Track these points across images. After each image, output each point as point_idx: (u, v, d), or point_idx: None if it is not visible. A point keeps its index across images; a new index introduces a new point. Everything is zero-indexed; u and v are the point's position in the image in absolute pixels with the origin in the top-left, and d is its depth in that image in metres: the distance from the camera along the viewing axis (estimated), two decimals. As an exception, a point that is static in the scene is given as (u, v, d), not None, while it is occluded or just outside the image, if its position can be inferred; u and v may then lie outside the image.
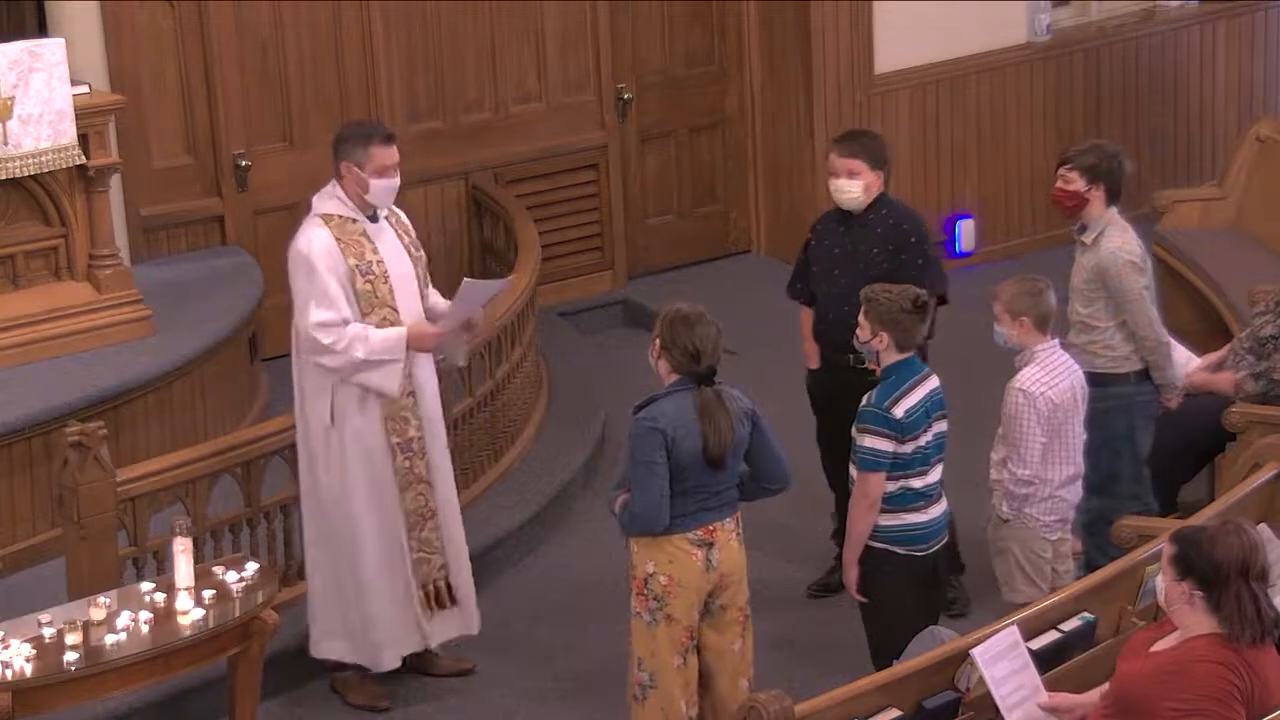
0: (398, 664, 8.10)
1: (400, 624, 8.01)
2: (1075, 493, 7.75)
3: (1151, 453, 8.54)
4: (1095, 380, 7.91)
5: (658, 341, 7.10)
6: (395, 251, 7.90)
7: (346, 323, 7.72)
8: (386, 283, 7.82)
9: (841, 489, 8.60)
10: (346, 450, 7.84)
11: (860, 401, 8.05)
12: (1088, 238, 8.30)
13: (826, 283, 8.56)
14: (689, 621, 7.12)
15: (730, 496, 7.16)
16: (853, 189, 8.43)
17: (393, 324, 7.79)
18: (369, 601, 7.95)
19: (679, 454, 6.96)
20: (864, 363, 8.19)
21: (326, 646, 8.06)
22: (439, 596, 8.05)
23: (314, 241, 7.78)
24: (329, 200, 7.88)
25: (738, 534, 7.20)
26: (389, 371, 7.76)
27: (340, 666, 8.15)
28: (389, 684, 8.20)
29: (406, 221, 8.11)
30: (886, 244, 8.44)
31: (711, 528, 7.09)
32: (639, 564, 7.12)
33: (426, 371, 7.96)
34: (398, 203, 8.12)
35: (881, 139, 8.63)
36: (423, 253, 8.09)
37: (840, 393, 8.44)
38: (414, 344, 7.81)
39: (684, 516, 7.03)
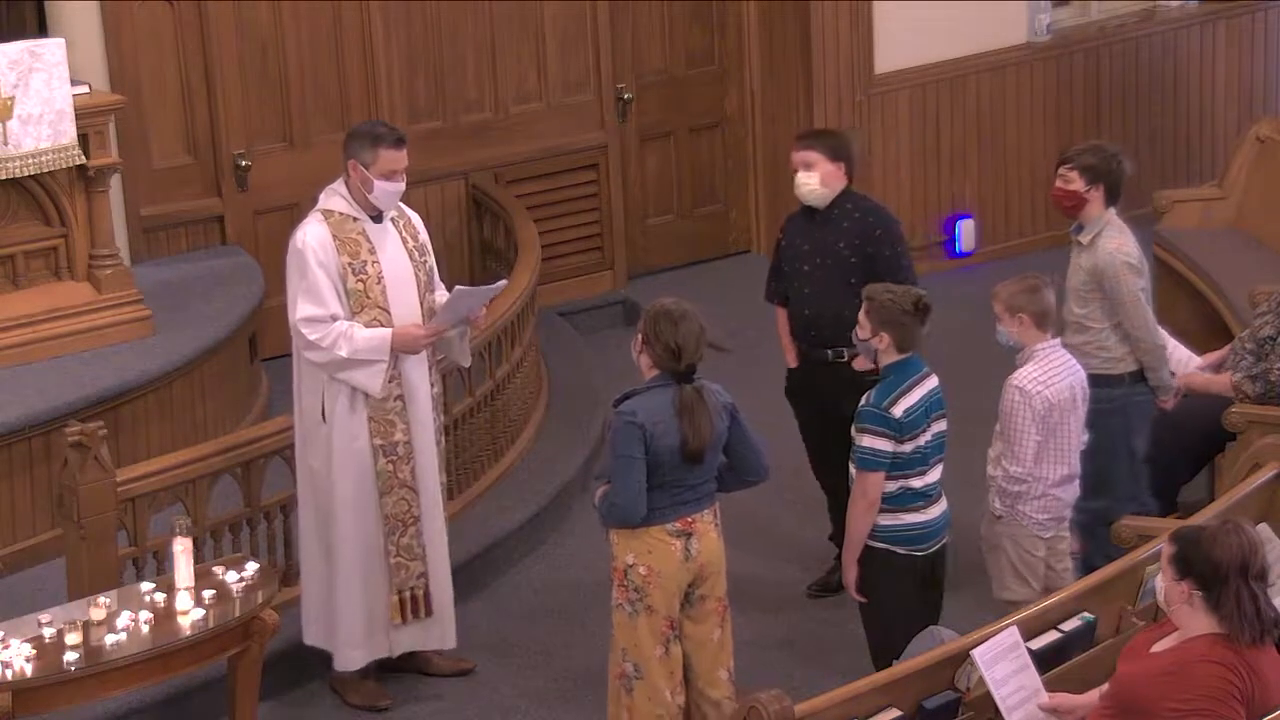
0: (361, 665, 8.04)
1: (368, 627, 7.98)
2: (1071, 493, 7.74)
3: (1151, 453, 8.54)
4: (1090, 381, 7.90)
5: (640, 336, 7.12)
6: (394, 254, 7.88)
7: (334, 319, 7.72)
8: (380, 284, 7.80)
9: (833, 490, 8.61)
10: (334, 448, 7.84)
11: (841, 393, 8.08)
12: (1085, 238, 8.30)
13: (798, 280, 8.57)
14: (669, 612, 7.14)
15: (708, 490, 7.17)
16: (810, 181, 8.45)
17: (383, 325, 7.78)
18: (338, 599, 7.94)
19: (657, 449, 6.97)
20: (843, 357, 8.25)
21: (309, 632, 8.07)
22: (414, 605, 8.01)
23: (308, 236, 7.78)
24: (334, 197, 7.88)
25: (716, 525, 7.22)
26: (372, 371, 7.75)
27: (340, 666, 8.15)
28: (389, 684, 8.20)
29: (417, 225, 8.08)
30: (854, 239, 8.45)
31: (690, 519, 7.11)
32: (619, 555, 7.16)
33: (419, 375, 7.93)
34: (410, 205, 8.11)
35: (842, 135, 8.62)
36: (429, 257, 8.07)
37: (821, 388, 8.47)
38: (400, 345, 7.78)
39: (661, 509, 7.05)
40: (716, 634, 7.29)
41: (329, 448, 7.84)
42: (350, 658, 8.02)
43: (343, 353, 7.70)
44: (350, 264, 7.77)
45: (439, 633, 8.12)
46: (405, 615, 7.97)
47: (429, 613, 8.03)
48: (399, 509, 7.93)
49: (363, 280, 7.78)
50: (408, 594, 7.97)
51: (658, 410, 7.00)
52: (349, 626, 7.96)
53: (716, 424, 7.06)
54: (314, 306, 7.71)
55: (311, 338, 7.72)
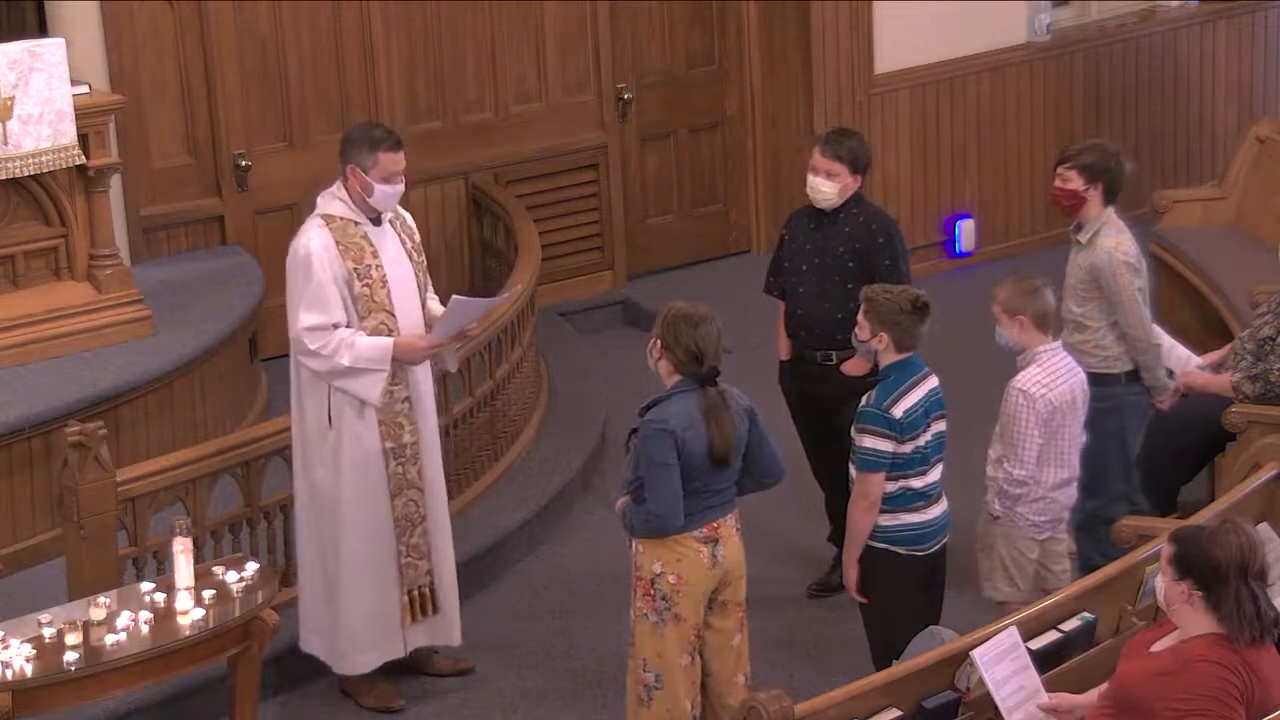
0: (371, 668, 8.02)
1: (379, 629, 7.96)
2: (1069, 495, 7.74)
3: (1150, 453, 8.54)
4: (1087, 380, 7.91)
5: (658, 341, 7.07)
6: (396, 256, 7.86)
7: (336, 327, 7.68)
8: (385, 287, 7.78)
9: (829, 489, 8.62)
10: (341, 452, 7.81)
11: (837, 398, 8.07)
12: (1083, 237, 8.31)
13: (796, 278, 8.59)
14: (696, 620, 7.11)
15: (730, 494, 7.16)
16: (828, 189, 8.46)
17: (390, 329, 7.76)
18: (343, 604, 7.92)
19: (687, 455, 6.94)
20: (831, 360, 8.26)
21: (308, 640, 8.05)
22: (423, 603, 8.01)
23: (312, 243, 7.73)
24: (333, 201, 7.83)
25: (738, 529, 7.20)
26: (372, 380, 7.71)
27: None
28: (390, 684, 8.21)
29: (411, 224, 8.06)
30: (854, 243, 8.46)
31: (715, 525, 7.08)
32: (645, 565, 7.09)
33: (423, 375, 7.93)
34: (402, 204, 8.11)
35: (865, 143, 8.63)
36: (423, 257, 8.07)
37: (815, 391, 8.48)
38: (402, 355, 7.75)
39: (691, 515, 7.02)
40: (736, 639, 7.25)
41: (336, 455, 7.81)
42: (358, 662, 8.00)
43: (344, 361, 7.67)
44: (356, 269, 7.73)
45: (447, 630, 8.13)
46: (415, 614, 7.98)
47: (436, 609, 8.03)
48: (408, 510, 7.93)
49: (368, 285, 7.75)
50: (416, 593, 7.98)
51: (685, 415, 6.95)
52: (352, 631, 7.94)
53: (739, 426, 7.05)
54: (317, 315, 7.67)
55: (313, 346, 7.67)
